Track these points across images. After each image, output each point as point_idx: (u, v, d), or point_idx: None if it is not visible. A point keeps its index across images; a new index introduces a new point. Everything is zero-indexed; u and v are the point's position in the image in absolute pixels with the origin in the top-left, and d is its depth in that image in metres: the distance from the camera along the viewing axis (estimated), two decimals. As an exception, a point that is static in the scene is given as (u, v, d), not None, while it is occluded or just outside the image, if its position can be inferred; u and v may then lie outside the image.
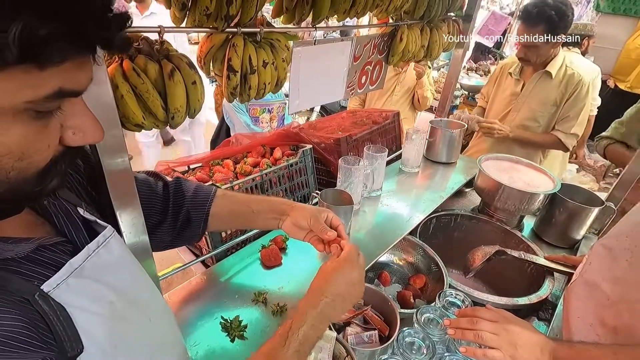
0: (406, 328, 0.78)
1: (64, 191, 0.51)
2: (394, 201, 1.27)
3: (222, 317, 0.76)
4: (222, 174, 1.08)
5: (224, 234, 1.01)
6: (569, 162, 3.63)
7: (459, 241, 1.36)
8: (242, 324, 0.76)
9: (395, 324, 0.79)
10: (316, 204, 1.15)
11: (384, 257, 1.15)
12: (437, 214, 1.32)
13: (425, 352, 0.74)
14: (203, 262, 1.09)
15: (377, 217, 1.17)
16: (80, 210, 0.50)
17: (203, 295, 0.84)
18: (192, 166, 1.19)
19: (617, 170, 3.99)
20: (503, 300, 0.97)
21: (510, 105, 1.78)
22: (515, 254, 1.11)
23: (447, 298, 0.87)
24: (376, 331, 0.81)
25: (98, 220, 0.51)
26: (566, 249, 1.28)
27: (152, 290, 0.60)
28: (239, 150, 1.21)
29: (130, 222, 0.60)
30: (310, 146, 1.20)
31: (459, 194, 1.54)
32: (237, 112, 2.21)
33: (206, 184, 0.93)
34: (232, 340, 0.73)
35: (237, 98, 0.76)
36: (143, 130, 0.61)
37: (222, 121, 2.45)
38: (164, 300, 0.65)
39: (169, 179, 0.78)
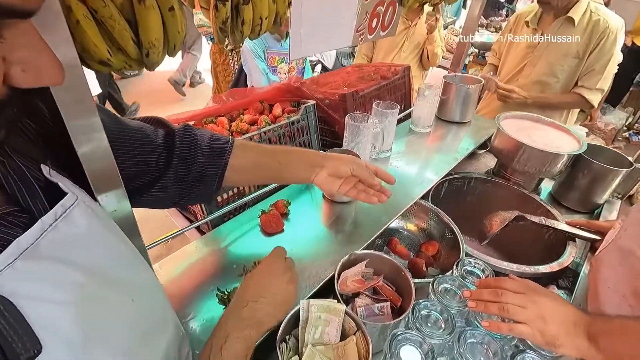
0: (422, 300, 0.71)
1: (21, 144, 0.41)
2: (404, 163, 1.17)
3: (218, 290, 0.68)
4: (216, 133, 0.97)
5: (219, 199, 0.92)
6: (582, 124, 3.49)
7: (472, 206, 1.28)
8: (241, 296, 0.69)
9: (409, 295, 0.72)
10: (320, 165, 1.05)
11: (393, 223, 1.07)
12: (449, 177, 1.22)
13: (443, 325, 0.67)
14: (198, 228, 1.01)
15: (387, 180, 1.08)
16: (45, 170, 0.40)
17: (198, 265, 0.77)
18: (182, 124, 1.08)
19: (626, 134, 3.87)
20: (522, 268, 0.90)
21: (525, 59, 1.63)
22: (535, 219, 1.03)
23: (465, 267, 0.80)
24: (388, 303, 0.74)
25: (61, 184, 0.41)
26: (585, 214, 1.20)
27: (137, 265, 0.51)
28: (234, 106, 1.09)
29: (104, 182, 0.50)
30: (314, 102, 1.09)
31: (471, 156, 1.44)
32: (255, 58, 2.05)
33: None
34: (231, 314, 0.66)
35: (229, 37, 0.63)
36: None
37: (240, 68, 2.33)
38: (152, 274, 0.57)
39: (175, 125, 0.67)
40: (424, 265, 0.89)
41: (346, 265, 0.77)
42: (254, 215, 0.91)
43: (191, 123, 1.10)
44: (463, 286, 0.74)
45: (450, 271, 0.81)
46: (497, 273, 0.86)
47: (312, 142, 1.12)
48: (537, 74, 1.61)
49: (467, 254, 0.89)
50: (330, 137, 1.30)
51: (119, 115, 0.55)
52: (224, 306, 0.67)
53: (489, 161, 1.46)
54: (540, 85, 1.61)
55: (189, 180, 0.64)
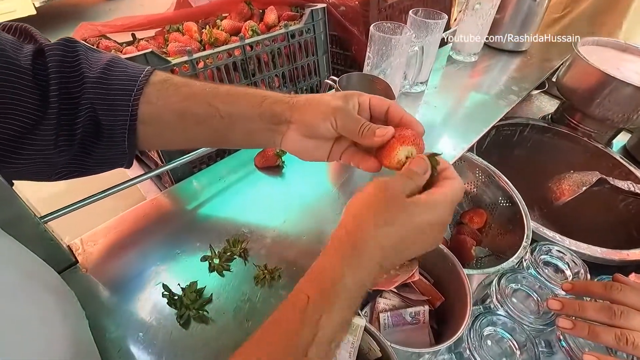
0: (484, 312, 0.46)
1: None
2: (442, 102, 0.86)
3: (164, 287, 0.43)
4: (180, 44, 0.66)
5: (184, 141, 0.64)
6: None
7: (522, 162, 1.00)
8: (203, 297, 0.44)
9: (460, 295, 0.47)
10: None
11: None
12: (497, 124, 0.93)
13: (518, 354, 0.43)
14: (160, 181, 0.74)
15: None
16: None
17: (143, 241, 0.51)
18: (137, 34, 0.76)
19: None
20: (606, 252, 0.65)
21: None
22: (622, 184, 0.76)
23: (541, 256, 0.54)
24: (426, 307, 0.49)
25: None
26: (669, 178, 0.93)
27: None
28: (210, 8, 0.76)
29: None
30: (324, 5, 0.75)
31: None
32: None
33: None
34: (185, 325, 0.42)
35: None
36: None
37: None
38: (25, 265, 0.32)
39: (45, 40, 0.38)
40: (473, 246, 0.64)
41: (365, 248, 0.52)
42: (234, 165, 0.64)
43: (149, 34, 0.78)
44: (544, 289, 0.49)
45: (515, 259, 0.55)
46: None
47: (320, 66, 0.81)
48: None
49: (534, 234, 0.62)
50: (344, 64, 0.98)
51: None
52: (176, 311, 0.43)
53: (544, 105, 1.15)
54: None
55: (78, 136, 0.37)
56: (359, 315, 0.42)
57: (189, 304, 0.43)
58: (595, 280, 0.51)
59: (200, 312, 0.43)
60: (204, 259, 0.47)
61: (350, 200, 0.33)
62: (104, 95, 0.37)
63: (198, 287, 0.44)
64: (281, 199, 0.59)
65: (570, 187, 0.75)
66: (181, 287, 0.44)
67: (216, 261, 0.46)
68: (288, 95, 0.40)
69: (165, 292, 0.43)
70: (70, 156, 0.38)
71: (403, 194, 0.31)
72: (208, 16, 0.77)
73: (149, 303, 0.44)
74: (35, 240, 0.40)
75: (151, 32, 0.80)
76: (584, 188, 0.73)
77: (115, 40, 0.73)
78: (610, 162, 0.89)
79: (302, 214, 0.56)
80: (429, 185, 0.34)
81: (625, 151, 0.99)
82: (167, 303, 0.43)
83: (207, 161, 0.68)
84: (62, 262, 0.45)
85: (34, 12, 3.55)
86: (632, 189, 0.75)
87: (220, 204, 0.57)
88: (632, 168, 0.85)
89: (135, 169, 0.75)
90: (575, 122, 0.95)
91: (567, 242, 0.64)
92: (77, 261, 0.47)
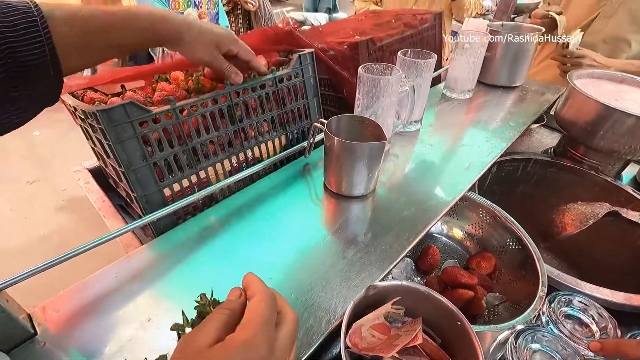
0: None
1: None
2: (438, 140, 0.84)
3: (127, 364, 0.38)
4: (165, 93, 0.65)
5: (167, 191, 0.61)
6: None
7: (527, 198, 0.95)
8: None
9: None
10: (319, 145, 0.74)
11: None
12: (498, 160, 0.89)
13: None
14: (144, 232, 0.70)
15: (417, 164, 0.75)
16: None
17: (111, 306, 0.46)
18: (126, 85, 0.76)
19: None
20: (626, 297, 0.58)
21: (597, 10, 1.25)
22: (635, 216, 0.70)
23: (562, 308, 0.47)
24: (434, 377, 0.43)
25: None
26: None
27: None
28: (198, 58, 0.76)
29: None
30: (312, 50, 0.75)
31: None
32: None
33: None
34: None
35: None
36: None
37: None
38: None
39: None
40: (484, 296, 0.57)
41: (361, 306, 0.46)
42: (222, 213, 0.60)
43: (136, 85, 0.78)
44: (567, 349, 0.42)
45: (531, 312, 0.49)
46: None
47: (311, 111, 0.79)
48: (612, 28, 1.22)
49: (549, 279, 0.56)
50: (337, 106, 0.97)
51: None
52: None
53: (544, 138, 1.12)
54: (613, 46, 1.23)
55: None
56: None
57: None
58: (627, 336, 0.44)
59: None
60: (174, 327, 0.41)
61: None
62: (11, 24, 0.33)
63: (168, 362, 0.38)
64: (267, 248, 0.54)
65: (573, 220, 0.69)
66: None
67: (188, 330, 0.40)
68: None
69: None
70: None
71: (205, 343, 0.27)
72: (197, 65, 0.77)
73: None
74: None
75: (134, 84, 0.80)
76: (591, 220, 0.67)
77: (103, 92, 0.72)
78: (622, 195, 0.83)
79: (288, 266, 0.51)
80: None
81: (636, 183, 0.94)
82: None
83: (193, 211, 0.64)
84: (16, 336, 0.40)
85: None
86: (649, 223, 0.70)
87: (202, 260, 0.53)
88: (646, 202, 0.80)
89: (117, 221, 0.71)
90: (579, 155, 0.92)
91: (588, 288, 0.58)
92: (36, 333, 0.42)
